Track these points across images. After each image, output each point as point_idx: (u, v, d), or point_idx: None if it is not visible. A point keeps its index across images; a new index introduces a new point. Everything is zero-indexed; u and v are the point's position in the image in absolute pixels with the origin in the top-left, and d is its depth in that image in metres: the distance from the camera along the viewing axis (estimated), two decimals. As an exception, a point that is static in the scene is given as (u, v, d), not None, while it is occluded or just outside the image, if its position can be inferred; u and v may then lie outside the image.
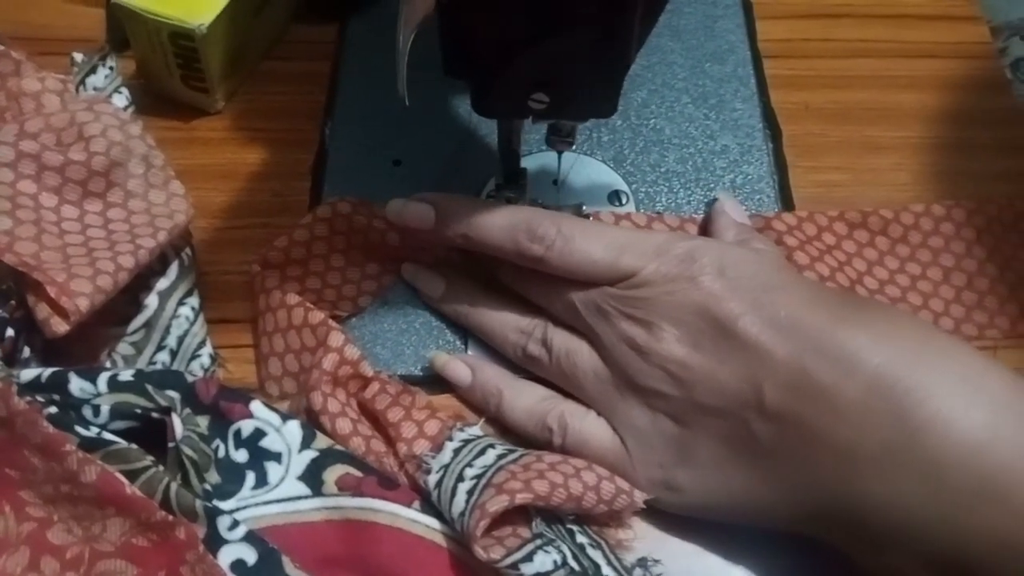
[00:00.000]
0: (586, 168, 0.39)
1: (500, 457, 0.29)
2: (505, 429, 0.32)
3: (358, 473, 0.29)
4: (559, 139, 0.34)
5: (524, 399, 0.32)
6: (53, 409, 0.28)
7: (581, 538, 0.29)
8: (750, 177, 0.39)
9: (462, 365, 0.33)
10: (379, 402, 0.31)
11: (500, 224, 0.31)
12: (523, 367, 0.33)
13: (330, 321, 0.32)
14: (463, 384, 0.33)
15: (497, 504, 0.26)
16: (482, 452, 0.29)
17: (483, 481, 0.27)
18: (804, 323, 0.27)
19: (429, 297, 0.35)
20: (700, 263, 0.29)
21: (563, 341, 0.31)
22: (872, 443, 0.25)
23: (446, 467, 0.29)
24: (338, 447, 0.30)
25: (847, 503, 0.26)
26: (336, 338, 0.31)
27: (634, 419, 0.30)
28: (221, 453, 0.30)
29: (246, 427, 0.30)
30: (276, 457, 0.30)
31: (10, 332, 0.30)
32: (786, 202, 0.38)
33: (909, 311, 0.35)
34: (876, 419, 0.25)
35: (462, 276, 0.35)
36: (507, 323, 0.33)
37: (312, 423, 0.30)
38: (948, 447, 0.24)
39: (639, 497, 0.29)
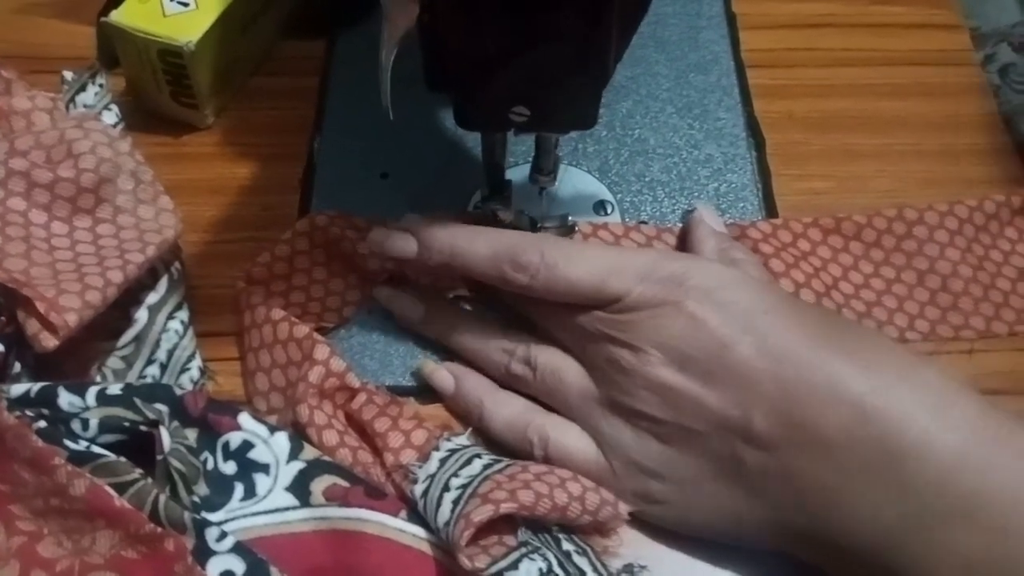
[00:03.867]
0: (572, 178, 0.40)
1: (486, 467, 0.29)
2: (492, 439, 0.33)
3: (345, 484, 0.29)
4: (541, 176, 0.35)
5: (505, 410, 0.32)
6: (42, 423, 0.28)
7: (567, 545, 0.30)
8: (734, 185, 0.39)
9: (446, 374, 0.33)
10: (366, 413, 0.31)
11: (483, 253, 0.31)
12: (508, 385, 0.33)
13: (315, 334, 0.33)
14: (447, 392, 0.33)
15: (482, 514, 0.26)
16: (468, 462, 0.29)
17: (468, 491, 0.28)
18: (791, 351, 0.28)
19: (408, 320, 0.35)
20: (685, 287, 0.29)
21: (548, 359, 0.32)
22: (855, 468, 0.26)
23: (432, 477, 0.29)
24: (325, 458, 0.30)
25: (828, 526, 0.27)
26: (322, 351, 0.32)
27: (619, 436, 0.30)
28: (210, 465, 0.30)
29: (234, 439, 0.30)
30: (264, 469, 0.30)
31: (0, 347, 0.31)
32: (770, 210, 0.39)
33: (886, 327, 0.35)
34: (860, 446, 0.26)
35: (440, 298, 0.35)
36: (489, 343, 0.33)
37: (299, 435, 0.31)
38: (926, 470, 0.25)
39: (623, 509, 0.30)
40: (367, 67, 0.43)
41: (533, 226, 0.37)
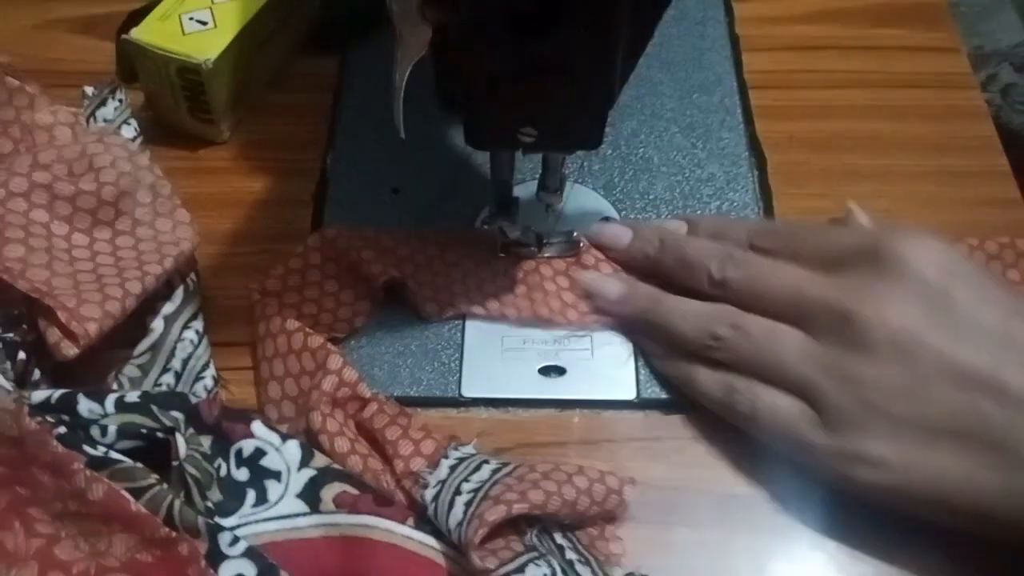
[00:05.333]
0: (577, 196, 0.40)
1: (495, 472, 0.30)
2: (499, 449, 0.33)
3: (355, 491, 0.30)
4: (548, 194, 0.36)
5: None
6: (62, 429, 0.29)
7: (570, 554, 0.30)
8: (736, 204, 0.40)
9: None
10: (377, 421, 0.32)
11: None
12: (705, 354, 0.33)
13: (329, 345, 0.34)
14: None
15: (495, 514, 0.27)
16: (478, 468, 0.30)
17: (480, 494, 0.29)
18: None
19: (604, 300, 0.36)
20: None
21: (759, 320, 0.32)
22: None
23: (443, 482, 0.30)
24: (336, 466, 0.31)
25: None
26: (335, 360, 0.33)
27: (839, 389, 0.29)
28: (223, 472, 0.31)
29: (247, 446, 0.31)
30: (276, 475, 0.31)
31: (22, 355, 0.32)
32: (771, 228, 0.40)
33: None
34: None
35: (638, 283, 0.36)
36: (691, 310, 0.33)
37: (311, 442, 0.32)
38: None
39: (628, 493, 0.30)
40: (379, 84, 0.45)
41: (539, 242, 0.38)
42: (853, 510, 0.31)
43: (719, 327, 0.32)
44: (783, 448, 0.31)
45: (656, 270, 0.36)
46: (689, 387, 0.34)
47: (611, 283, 0.36)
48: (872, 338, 0.29)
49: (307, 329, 0.34)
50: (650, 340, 0.35)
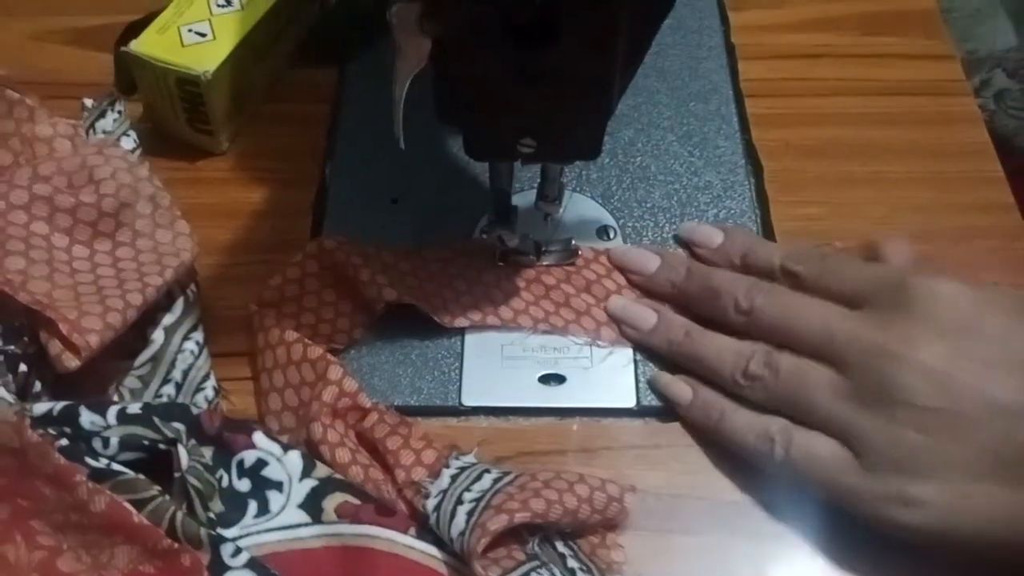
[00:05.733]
0: (575, 204, 0.41)
1: (496, 481, 0.30)
2: (500, 458, 0.34)
3: (356, 501, 0.30)
4: (547, 203, 0.36)
5: (745, 413, 0.32)
6: (64, 441, 0.29)
7: (572, 562, 0.30)
8: (733, 211, 0.41)
9: (684, 385, 0.34)
10: (377, 431, 0.32)
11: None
12: (736, 392, 0.33)
13: (328, 356, 0.34)
14: (683, 402, 0.34)
15: (497, 523, 0.27)
16: (479, 477, 0.30)
17: (482, 503, 0.29)
18: None
19: (636, 329, 0.36)
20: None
21: (791, 358, 0.32)
22: None
23: (444, 492, 0.30)
24: (337, 476, 0.31)
25: None
26: (335, 371, 0.33)
27: (875, 430, 0.29)
28: (224, 483, 0.31)
29: (248, 457, 0.31)
30: (277, 486, 0.31)
31: (23, 368, 0.32)
32: (768, 236, 0.40)
33: None
34: None
35: (671, 310, 0.36)
36: (724, 346, 0.33)
37: (312, 453, 0.32)
38: None
39: (629, 501, 0.30)
40: (377, 94, 0.45)
41: (538, 250, 0.38)
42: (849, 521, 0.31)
43: (751, 364, 0.32)
44: (820, 491, 0.31)
45: (681, 299, 0.36)
46: (720, 435, 0.33)
47: (644, 312, 0.36)
48: (905, 378, 0.29)
49: (306, 340, 0.34)
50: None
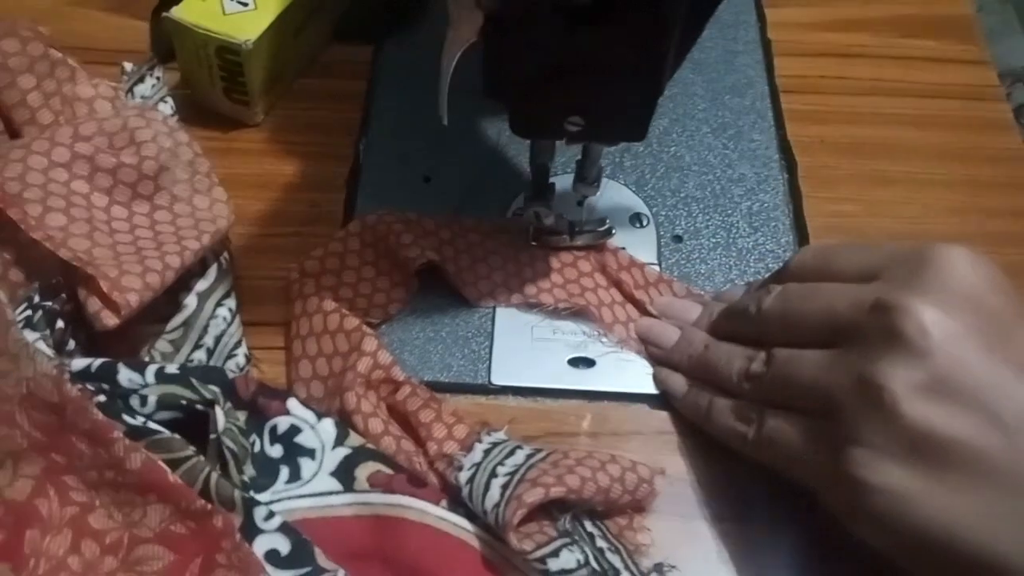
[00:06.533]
0: (609, 191, 0.41)
1: (529, 457, 0.30)
2: (528, 437, 0.34)
3: (389, 471, 0.30)
4: (584, 185, 0.36)
5: (729, 402, 0.32)
6: (102, 398, 0.29)
7: (600, 542, 0.31)
8: (766, 205, 0.41)
9: (679, 377, 0.35)
10: (410, 404, 0.32)
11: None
12: (739, 394, 0.32)
13: (364, 327, 0.34)
14: (678, 394, 0.35)
15: (533, 496, 0.27)
16: (511, 453, 0.30)
17: (516, 477, 0.29)
18: None
19: (659, 347, 0.36)
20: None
21: (789, 350, 0.30)
22: None
23: (478, 465, 0.30)
24: (370, 445, 0.31)
25: None
26: (370, 343, 0.33)
27: (858, 398, 0.27)
28: (257, 448, 0.31)
29: (282, 423, 0.31)
30: (310, 453, 0.31)
31: (60, 324, 0.32)
32: (800, 230, 0.40)
33: None
34: None
35: (693, 328, 0.36)
36: (734, 352, 0.33)
37: (345, 422, 0.32)
38: None
39: (659, 484, 0.31)
40: (412, 73, 0.45)
41: (572, 229, 0.38)
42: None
43: (753, 365, 0.31)
44: (786, 470, 0.30)
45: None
46: (708, 425, 0.33)
47: (667, 330, 0.36)
48: (904, 330, 0.26)
49: (343, 310, 0.34)
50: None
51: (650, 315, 0.37)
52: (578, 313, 0.37)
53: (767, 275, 0.36)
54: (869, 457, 0.26)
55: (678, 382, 0.35)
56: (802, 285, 0.32)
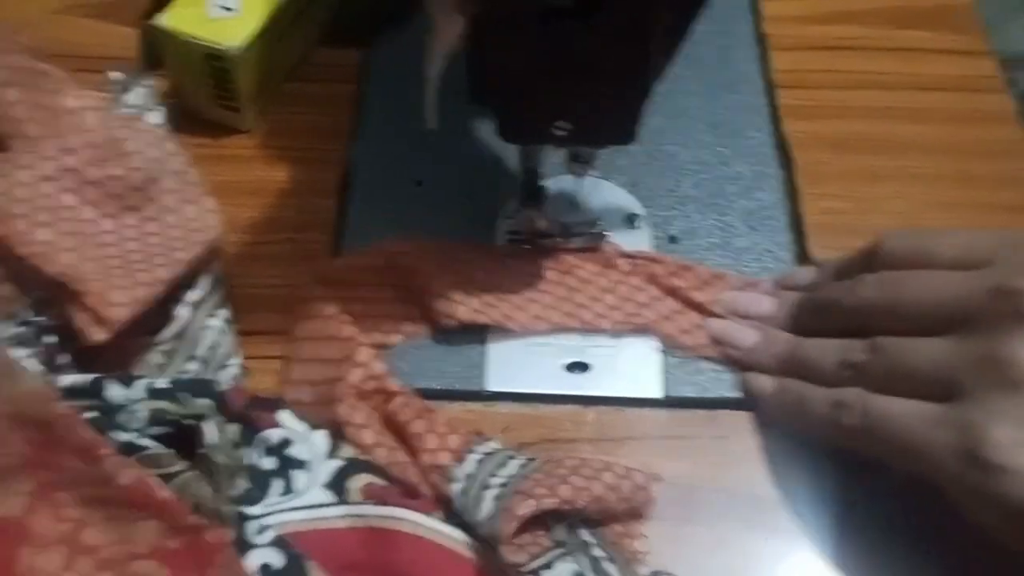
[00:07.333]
0: (602, 191, 0.40)
1: (522, 467, 0.30)
2: (523, 444, 0.34)
3: (382, 483, 0.30)
4: (578, 164, 0.36)
5: (821, 389, 0.31)
6: (92, 414, 0.29)
7: (597, 551, 0.30)
8: (763, 203, 0.40)
9: (765, 377, 0.34)
10: (403, 415, 0.32)
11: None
12: (837, 385, 0.31)
13: (358, 336, 0.34)
14: (765, 392, 0.34)
15: (525, 508, 0.27)
16: (504, 463, 0.30)
17: (509, 488, 0.29)
18: None
19: (737, 348, 0.35)
20: None
21: (895, 338, 0.30)
22: None
23: (470, 476, 0.30)
24: (363, 457, 0.31)
25: None
26: (364, 353, 0.33)
27: (1002, 397, 0.26)
28: (249, 460, 0.31)
29: (274, 435, 0.31)
30: (302, 465, 0.31)
31: (50, 339, 0.32)
32: (798, 228, 0.40)
33: None
34: None
35: (773, 329, 0.35)
36: (828, 346, 0.32)
37: (337, 432, 0.32)
38: None
39: (655, 490, 0.30)
40: (402, 76, 0.45)
41: (565, 231, 0.38)
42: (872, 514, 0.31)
43: (853, 354, 0.31)
44: (895, 453, 0.29)
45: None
46: (799, 419, 0.32)
47: (744, 331, 0.35)
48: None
49: (342, 317, 0.34)
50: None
51: (716, 315, 0.36)
52: (641, 331, 0.36)
53: (840, 261, 0.35)
54: (1006, 439, 0.26)
55: (765, 382, 0.34)
56: (900, 273, 0.31)
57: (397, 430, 0.32)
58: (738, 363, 0.35)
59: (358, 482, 0.30)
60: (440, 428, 0.32)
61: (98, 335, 0.30)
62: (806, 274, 0.37)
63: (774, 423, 0.34)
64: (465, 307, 0.35)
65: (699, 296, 0.37)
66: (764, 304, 0.36)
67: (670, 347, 0.36)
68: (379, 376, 0.33)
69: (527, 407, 0.35)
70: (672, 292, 0.37)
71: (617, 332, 0.36)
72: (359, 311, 0.36)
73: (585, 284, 0.37)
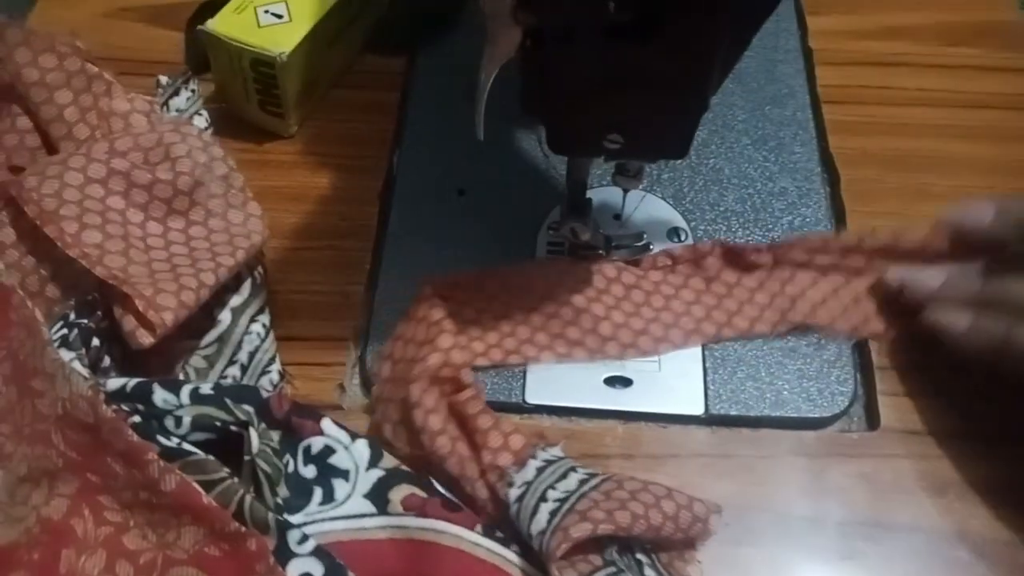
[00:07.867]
0: (646, 204, 0.40)
1: (582, 483, 0.29)
2: (584, 453, 0.33)
3: (423, 494, 0.30)
4: (626, 178, 0.35)
5: None
6: (137, 418, 0.29)
7: (649, 571, 0.30)
8: (808, 220, 0.40)
9: (959, 311, 0.33)
10: (471, 407, 0.31)
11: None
12: None
13: (444, 323, 0.33)
14: (959, 327, 0.33)
15: (580, 531, 0.27)
16: (564, 475, 0.30)
17: (566, 505, 0.28)
18: None
19: (921, 290, 0.35)
20: None
21: None
22: None
23: (529, 484, 0.29)
24: (404, 468, 0.31)
25: None
26: (446, 340, 0.33)
27: None
28: (291, 468, 0.31)
29: (316, 444, 0.31)
30: (344, 474, 0.31)
31: (95, 342, 0.32)
32: (843, 246, 0.39)
33: None
34: None
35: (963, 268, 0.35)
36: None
37: (406, 414, 0.32)
38: None
39: (713, 524, 0.30)
40: (447, 84, 0.45)
41: (608, 244, 0.38)
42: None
43: None
44: None
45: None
46: (1008, 350, 0.31)
47: (930, 272, 0.35)
48: None
49: (435, 299, 0.34)
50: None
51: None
52: (798, 328, 0.36)
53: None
54: None
55: (960, 316, 0.33)
56: None
57: (463, 422, 0.32)
58: (922, 302, 0.35)
59: (399, 493, 0.30)
60: (505, 427, 0.31)
61: (145, 339, 0.30)
62: (981, 213, 0.35)
63: (968, 357, 0.33)
64: (581, 352, 0.36)
65: (854, 262, 0.37)
66: (936, 279, 0.35)
67: (827, 335, 0.36)
68: (457, 365, 0.32)
69: (566, 421, 0.35)
70: (824, 271, 0.37)
71: (776, 334, 0.36)
72: (470, 316, 0.36)
73: (702, 296, 0.37)
